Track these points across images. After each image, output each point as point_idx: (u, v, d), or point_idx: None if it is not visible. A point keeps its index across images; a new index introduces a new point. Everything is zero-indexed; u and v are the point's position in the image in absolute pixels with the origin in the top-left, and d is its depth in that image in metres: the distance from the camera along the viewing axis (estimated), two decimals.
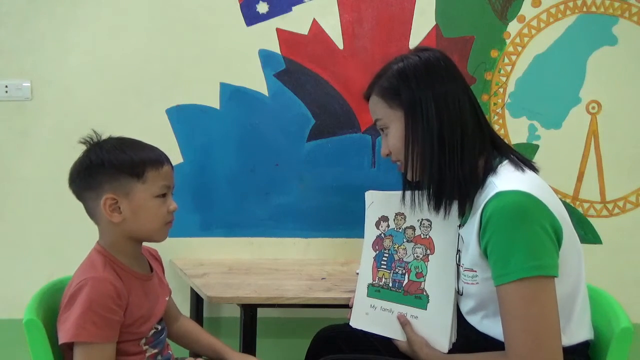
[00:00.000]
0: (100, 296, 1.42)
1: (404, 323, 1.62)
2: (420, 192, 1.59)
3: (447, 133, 1.50)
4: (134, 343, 1.51)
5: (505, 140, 2.50)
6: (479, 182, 1.51)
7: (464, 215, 1.57)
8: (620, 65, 2.57)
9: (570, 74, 2.57)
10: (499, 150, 1.55)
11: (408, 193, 1.62)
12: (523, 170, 1.50)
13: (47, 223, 2.44)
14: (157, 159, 1.51)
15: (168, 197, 1.53)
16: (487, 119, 1.60)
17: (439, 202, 1.54)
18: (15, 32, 2.39)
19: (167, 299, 1.65)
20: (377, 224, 1.71)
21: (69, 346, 1.43)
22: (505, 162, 1.52)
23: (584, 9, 2.55)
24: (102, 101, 2.43)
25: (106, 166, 1.47)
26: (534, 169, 1.54)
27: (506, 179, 1.46)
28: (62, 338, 1.42)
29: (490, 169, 1.50)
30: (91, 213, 1.53)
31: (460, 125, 1.51)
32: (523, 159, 1.55)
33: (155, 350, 1.57)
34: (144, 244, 1.60)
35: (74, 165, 1.52)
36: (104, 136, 1.54)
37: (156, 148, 1.55)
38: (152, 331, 1.55)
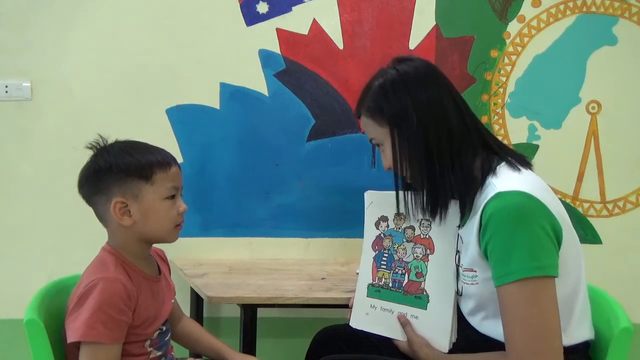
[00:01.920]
0: (111, 296, 1.42)
1: (404, 323, 1.62)
2: (414, 196, 1.60)
3: (433, 140, 1.51)
4: (139, 344, 1.52)
5: (505, 141, 2.52)
6: (478, 183, 1.51)
7: (463, 215, 1.57)
8: (620, 65, 2.57)
9: (570, 74, 2.57)
10: (493, 150, 1.55)
11: (402, 198, 1.62)
12: (521, 171, 1.50)
13: (47, 223, 2.44)
14: (164, 160, 1.51)
15: (177, 199, 1.53)
16: (479, 120, 1.60)
17: (433, 208, 1.55)
18: (15, 32, 2.39)
19: (172, 301, 1.65)
20: (377, 224, 1.71)
21: (76, 345, 1.43)
22: (505, 162, 1.52)
23: (584, 9, 2.55)
24: (102, 101, 2.43)
25: (114, 170, 1.47)
26: (528, 164, 1.54)
27: (506, 179, 1.46)
28: (71, 337, 1.42)
29: (490, 170, 1.51)
30: (101, 217, 1.53)
31: (447, 130, 1.51)
32: (518, 158, 1.55)
33: (160, 353, 1.57)
34: (153, 245, 1.61)
35: (82, 171, 1.52)
36: (110, 140, 1.54)
37: (163, 150, 1.55)
38: (157, 332, 1.55)
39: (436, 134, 1.51)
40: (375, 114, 1.57)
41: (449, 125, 1.51)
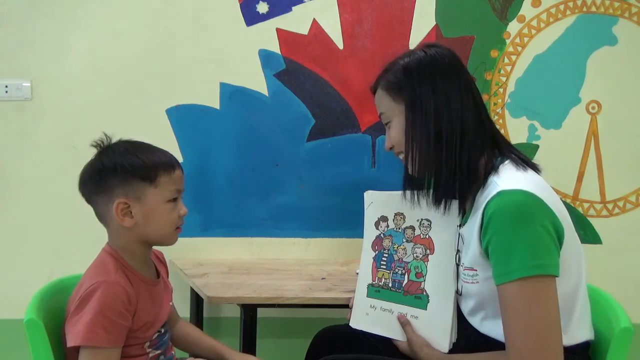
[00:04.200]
0: (112, 300, 1.42)
1: (404, 323, 1.62)
2: (419, 190, 1.60)
3: (445, 129, 1.51)
4: (138, 346, 1.51)
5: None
6: (480, 181, 1.51)
7: (464, 214, 1.57)
8: (620, 65, 2.57)
9: (570, 74, 2.57)
10: (500, 149, 1.55)
11: (408, 190, 1.63)
12: (525, 170, 1.50)
13: (47, 223, 2.44)
14: (169, 163, 1.51)
15: (179, 202, 1.53)
16: (492, 120, 1.60)
17: (436, 197, 1.55)
18: (15, 32, 2.39)
19: (171, 303, 1.65)
20: (377, 224, 1.71)
21: (75, 348, 1.42)
22: (507, 161, 1.52)
23: (584, 9, 2.55)
24: (102, 101, 2.43)
25: (118, 170, 1.46)
26: (536, 169, 1.55)
27: (508, 178, 1.46)
28: (72, 341, 1.41)
29: (492, 168, 1.51)
30: (101, 217, 1.52)
31: (461, 123, 1.52)
32: (525, 159, 1.55)
33: (159, 351, 1.56)
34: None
35: (85, 169, 1.51)
36: (114, 139, 1.53)
37: (167, 152, 1.54)
38: (156, 334, 1.55)
39: (449, 125, 1.51)
40: (391, 89, 1.57)
41: (464, 119, 1.52)
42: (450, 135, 1.51)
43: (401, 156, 1.61)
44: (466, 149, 1.51)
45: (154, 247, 1.61)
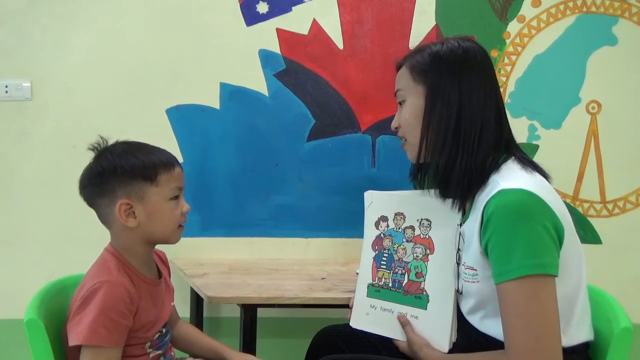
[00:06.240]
0: (115, 300, 1.42)
1: (404, 323, 1.62)
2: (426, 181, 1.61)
3: (464, 124, 1.51)
4: (139, 347, 1.51)
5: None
6: (483, 179, 1.51)
7: (464, 213, 1.57)
8: (620, 65, 2.57)
9: (570, 74, 2.57)
10: (508, 151, 1.55)
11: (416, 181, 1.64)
12: (528, 170, 1.50)
13: (47, 223, 2.44)
14: (168, 161, 1.51)
15: (180, 199, 1.53)
16: (508, 123, 1.60)
17: (444, 189, 1.55)
18: (15, 32, 2.39)
19: (172, 303, 1.65)
20: (377, 224, 1.71)
21: (77, 347, 1.43)
22: (510, 160, 1.52)
23: (584, 9, 2.55)
24: (102, 101, 2.43)
25: (119, 172, 1.47)
26: (545, 175, 1.54)
27: (509, 177, 1.46)
28: (74, 340, 1.41)
29: (494, 167, 1.51)
30: (104, 218, 1.52)
31: (481, 120, 1.52)
32: (533, 162, 1.55)
33: (159, 352, 1.57)
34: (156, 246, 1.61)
35: (85, 172, 1.51)
36: (111, 141, 1.54)
37: (165, 150, 1.55)
38: (157, 335, 1.55)
39: (470, 120, 1.51)
40: (416, 70, 1.57)
41: (485, 116, 1.52)
42: (469, 131, 1.51)
43: (403, 140, 1.61)
44: (481, 147, 1.51)
45: (157, 248, 1.62)
